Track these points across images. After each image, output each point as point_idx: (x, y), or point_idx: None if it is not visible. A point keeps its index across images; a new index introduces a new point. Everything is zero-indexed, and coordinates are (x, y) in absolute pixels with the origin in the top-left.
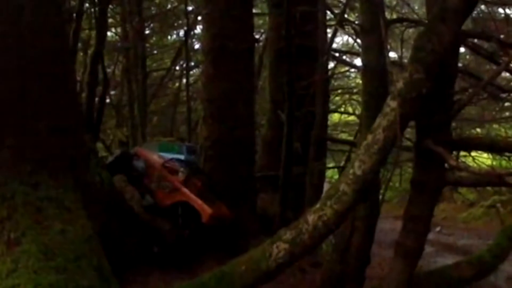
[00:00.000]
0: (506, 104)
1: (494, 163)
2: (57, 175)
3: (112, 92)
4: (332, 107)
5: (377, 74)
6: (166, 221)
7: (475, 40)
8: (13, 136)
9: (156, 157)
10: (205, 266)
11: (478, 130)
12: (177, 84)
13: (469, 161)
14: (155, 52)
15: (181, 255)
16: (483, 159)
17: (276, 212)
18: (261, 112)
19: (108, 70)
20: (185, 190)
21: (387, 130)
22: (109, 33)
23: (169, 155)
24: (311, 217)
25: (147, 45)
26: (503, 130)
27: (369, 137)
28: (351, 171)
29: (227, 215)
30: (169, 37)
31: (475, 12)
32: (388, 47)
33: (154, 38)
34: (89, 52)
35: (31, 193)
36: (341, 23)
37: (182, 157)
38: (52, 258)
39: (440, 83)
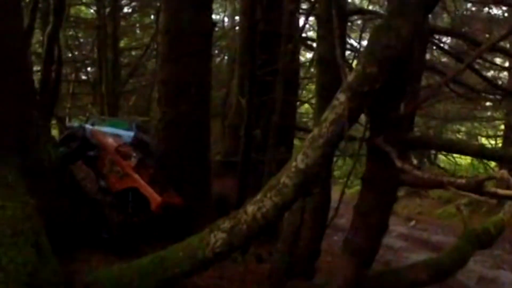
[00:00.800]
0: (488, 103)
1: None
2: (1, 152)
3: (90, 69)
4: (309, 95)
5: (330, 65)
6: (115, 208)
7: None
8: None
9: (111, 140)
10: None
11: (463, 128)
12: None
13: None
14: (137, 32)
15: (129, 242)
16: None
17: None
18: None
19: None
20: (136, 176)
21: (334, 124)
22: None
23: (117, 131)
24: (250, 208)
25: (124, 24)
26: (483, 129)
27: (315, 130)
28: (293, 163)
29: (178, 203)
30: (152, 16)
31: (460, 10)
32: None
33: (135, 16)
34: (47, 30)
35: None
36: (310, 12)
37: (131, 133)
38: None
39: (397, 79)
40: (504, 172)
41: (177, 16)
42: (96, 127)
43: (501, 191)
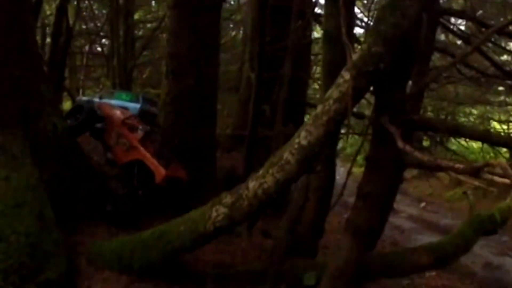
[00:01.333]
0: (500, 88)
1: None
2: (6, 123)
3: (104, 41)
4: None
5: (337, 43)
6: (120, 180)
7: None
8: None
9: (118, 112)
10: (155, 225)
11: (474, 111)
12: None
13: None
14: (153, 4)
15: (133, 215)
16: None
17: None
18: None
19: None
20: (142, 149)
21: (338, 102)
22: None
23: (124, 103)
24: (252, 184)
25: None
26: (496, 114)
27: (319, 108)
28: (296, 140)
29: (183, 177)
30: None
31: None
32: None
33: None
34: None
35: None
36: None
37: (138, 105)
38: None
39: (403, 59)
40: (502, 161)
41: None
42: (104, 100)
43: (497, 179)
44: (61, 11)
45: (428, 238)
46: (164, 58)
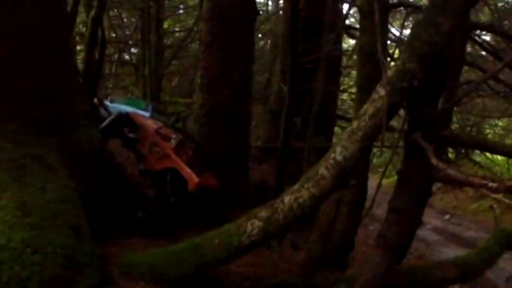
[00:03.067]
0: None
1: None
2: (41, 133)
3: (133, 50)
4: (351, 83)
5: (371, 57)
6: (153, 187)
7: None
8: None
9: (151, 122)
10: (188, 235)
11: (500, 123)
12: (198, 46)
13: None
14: (181, 11)
15: (165, 222)
16: None
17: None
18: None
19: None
20: (175, 157)
21: (373, 118)
22: None
23: (134, 110)
24: (287, 198)
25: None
26: None
27: (354, 123)
28: (332, 155)
29: (215, 185)
30: None
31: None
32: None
33: None
34: (91, 13)
35: (15, 151)
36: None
37: (147, 114)
38: (29, 214)
39: (436, 75)
40: None
41: (221, 2)
42: (114, 104)
43: None
44: (96, 21)
45: (452, 251)
46: (198, 70)
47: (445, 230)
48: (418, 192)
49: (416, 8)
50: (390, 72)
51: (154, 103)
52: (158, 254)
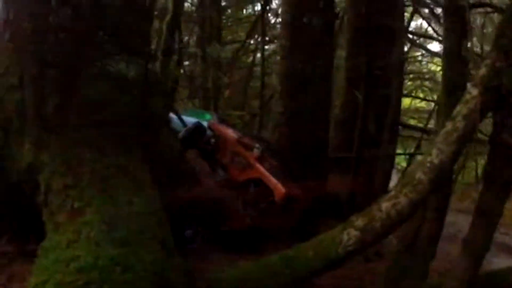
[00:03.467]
0: None
1: None
2: (127, 144)
3: (186, 63)
4: (404, 91)
5: (457, 58)
6: (237, 199)
7: None
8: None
9: (231, 132)
10: (272, 248)
11: None
12: (250, 58)
13: None
14: (229, 24)
15: (250, 235)
16: None
17: (346, 195)
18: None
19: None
20: (260, 167)
21: (467, 119)
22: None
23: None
24: (384, 205)
25: (223, 17)
26: None
27: (449, 125)
28: (428, 159)
29: (300, 196)
30: (244, 10)
31: None
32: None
33: (229, 11)
34: (166, 19)
35: (98, 160)
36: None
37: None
38: (115, 230)
39: None
40: None
41: (299, 7)
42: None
43: None
44: (172, 28)
45: (503, 261)
46: (278, 78)
47: (494, 239)
48: (503, 194)
49: (495, 9)
50: (481, 71)
51: (218, 114)
52: (248, 268)
